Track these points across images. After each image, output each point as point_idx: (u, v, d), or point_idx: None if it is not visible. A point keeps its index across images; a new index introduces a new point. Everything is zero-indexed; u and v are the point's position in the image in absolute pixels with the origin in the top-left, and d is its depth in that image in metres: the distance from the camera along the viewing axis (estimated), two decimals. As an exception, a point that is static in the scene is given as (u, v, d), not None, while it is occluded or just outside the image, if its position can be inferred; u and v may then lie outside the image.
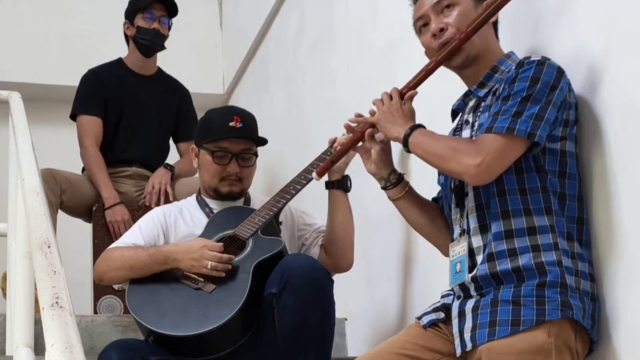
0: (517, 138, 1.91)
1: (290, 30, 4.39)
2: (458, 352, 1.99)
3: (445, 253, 2.16)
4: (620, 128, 1.91)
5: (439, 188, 2.27)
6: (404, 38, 3.00)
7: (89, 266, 3.71)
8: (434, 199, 2.29)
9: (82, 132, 3.96)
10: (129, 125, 4.03)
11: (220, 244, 2.61)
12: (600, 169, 1.97)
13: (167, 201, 3.81)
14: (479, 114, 2.08)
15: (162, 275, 2.64)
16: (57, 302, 1.63)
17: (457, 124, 2.19)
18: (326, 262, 2.73)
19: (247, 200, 2.88)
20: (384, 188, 2.30)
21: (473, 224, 2.03)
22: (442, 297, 2.14)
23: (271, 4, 4.58)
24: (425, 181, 2.43)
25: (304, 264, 2.51)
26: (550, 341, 1.86)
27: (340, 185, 2.77)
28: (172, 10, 4.06)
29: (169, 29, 4.07)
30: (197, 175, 3.22)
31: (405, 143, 2.08)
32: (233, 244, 2.67)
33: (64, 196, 3.80)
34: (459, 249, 2.06)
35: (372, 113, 2.21)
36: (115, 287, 3.64)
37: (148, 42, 4.00)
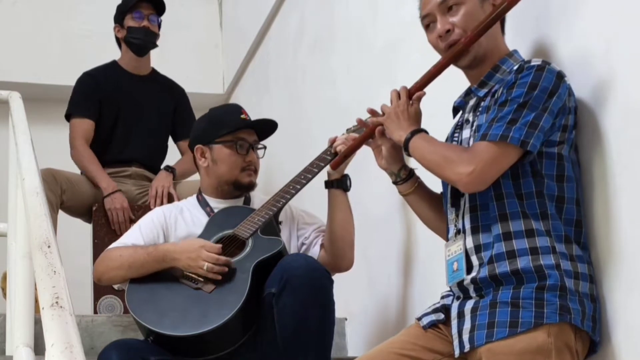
0: (510, 146, 1.91)
1: (290, 30, 4.39)
2: (457, 353, 1.99)
3: None
4: (620, 128, 1.91)
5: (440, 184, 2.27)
6: (404, 38, 3.01)
7: (89, 266, 3.71)
8: (442, 193, 2.29)
9: (73, 133, 4.00)
10: (126, 125, 4.05)
11: (219, 245, 2.61)
12: (600, 169, 1.97)
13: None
14: (478, 114, 2.08)
15: (162, 275, 2.64)
16: (57, 302, 1.63)
17: (458, 122, 2.19)
18: (326, 261, 2.73)
19: (247, 200, 2.88)
20: (394, 183, 2.32)
21: (468, 224, 2.03)
22: (442, 297, 2.14)
23: (271, 4, 4.58)
24: (428, 176, 2.42)
25: (303, 263, 2.51)
26: (550, 341, 1.86)
27: (339, 184, 2.77)
28: (160, 8, 4.09)
29: (159, 27, 4.09)
30: (196, 176, 3.22)
31: (405, 147, 2.10)
32: (233, 244, 2.67)
33: (64, 196, 3.81)
34: (455, 248, 2.06)
35: (384, 109, 2.22)
36: (115, 287, 3.64)
37: (140, 40, 4.02)
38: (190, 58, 5.52)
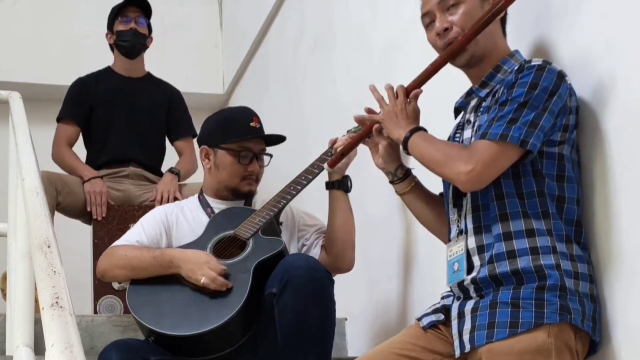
0: (510, 145, 1.91)
1: (290, 30, 4.39)
2: (457, 353, 1.99)
3: None
4: (620, 128, 1.91)
5: (442, 185, 2.27)
6: (404, 38, 3.01)
7: (89, 266, 3.72)
8: (441, 194, 2.29)
9: (56, 138, 4.06)
10: (120, 126, 4.07)
11: (224, 267, 2.58)
12: (600, 169, 1.97)
13: None
14: (479, 114, 2.08)
15: (163, 276, 2.63)
16: (57, 302, 1.63)
17: (460, 123, 2.19)
18: (327, 262, 2.73)
19: (248, 201, 2.88)
20: (391, 182, 2.31)
21: (470, 224, 2.03)
22: (442, 298, 2.14)
23: (271, 4, 4.58)
24: (426, 177, 2.42)
25: (304, 264, 2.51)
26: (550, 341, 1.86)
27: (340, 185, 2.77)
28: (147, 10, 4.14)
29: (150, 29, 4.14)
30: (198, 177, 3.23)
31: (404, 146, 2.10)
32: (234, 244, 2.67)
33: (60, 197, 3.82)
34: (457, 248, 2.06)
35: (382, 106, 2.22)
36: (115, 286, 3.65)
37: (128, 42, 4.07)
38: (190, 58, 5.52)
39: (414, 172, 2.30)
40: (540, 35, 2.20)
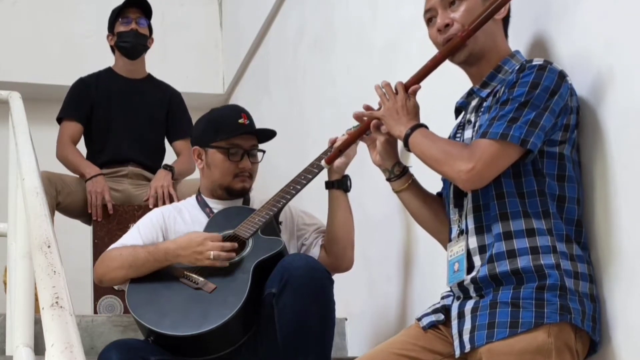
0: (511, 144, 1.91)
1: (290, 30, 4.39)
2: (457, 353, 1.99)
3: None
4: (620, 128, 1.91)
5: (440, 183, 2.27)
6: (404, 38, 3.01)
7: (89, 266, 3.71)
8: (438, 194, 2.29)
9: (60, 135, 4.06)
10: (120, 126, 4.07)
11: (220, 235, 2.61)
12: (600, 169, 1.97)
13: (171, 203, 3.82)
14: (480, 114, 2.08)
15: (162, 275, 2.64)
16: (57, 302, 1.63)
17: (460, 123, 2.19)
18: (327, 262, 2.73)
19: (247, 200, 2.88)
20: (388, 180, 2.31)
21: (471, 224, 2.03)
22: (442, 298, 2.14)
23: (271, 4, 4.58)
24: (425, 177, 2.42)
25: (304, 264, 2.51)
26: (550, 341, 1.86)
27: (340, 185, 2.77)
28: (147, 11, 4.14)
29: (150, 30, 4.14)
30: (196, 175, 3.22)
31: (405, 143, 2.10)
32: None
33: (60, 197, 3.82)
34: (457, 248, 2.06)
35: (380, 105, 2.21)
36: (116, 287, 3.64)
37: (129, 43, 4.07)
38: (190, 58, 5.52)
39: (411, 170, 2.30)
40: (540, 34, 2.20)
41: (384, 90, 2.20)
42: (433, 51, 2.18)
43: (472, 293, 1.99)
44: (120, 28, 4.08)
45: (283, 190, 2.75)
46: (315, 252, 2.80)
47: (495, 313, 1.91)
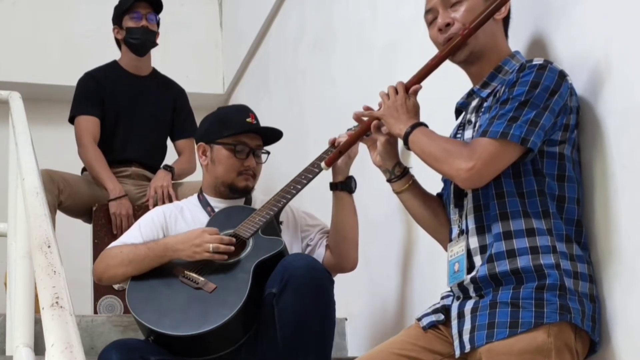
0: (511, 143, 1.91)
1: (290, 31, 4.39)
2: (457, 353, 1.99)
3: (447, 249, 2.16)
4: (620, 128, 1.91)
5: (440, 184, 2.27)
6: (404, 38, 3.01)
7: (89, 266, 3.71)
8: (438, 195, 2.29)
9: (80, 130, 3.98)
10: (126, 125, 4.05)
11: (217, 230, 2.61)
12: (600, 168, 1.97)
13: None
14: (480, 114, 2.08)
15: (163, 275, 2.64)
16: (57, 302, 1.63)
17: (461, 123, 2.19)
18: (331, 262, 2.74)
19: (248, 200, 2.88)
20: (388, 180, 2.31)
21: (472, 224, 2.03)
22: (442, 298, 2.14)
23: (271, 4, 4.58)
24: (426, 177, 2.42)
25: (304, 264, 2.52)
26: (550, 341, 1.86)
27: (344, 186, 2.77)
28: (157, 6, 4.09)
29: (158, 25, 4.09)
30: (196, 175, 3.23)
31: (405, 141, 2.10)
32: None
33: (62, 196, 3.81)
34: (457, 248, 2.06)
35: (380, 105, 2.22)
36: (115, 286, 3.64)
37: (139, 40, 4.03)
38: (190, 58, 5.52)
39: (412, 171, 2.30)
40: (540, 34, 2.20)
41: (387, 91, 2.20)
42: (433, 51, 2.18)
43: (472, 293, 1.99)
44: (129, 23, 4.01)
45: (283, 190, 2.76)
46: (320, 252, 2.80)
47: (495, 313, 1.91)
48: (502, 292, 1.92)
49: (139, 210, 3.88)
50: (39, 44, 5.31)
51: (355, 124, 2.62)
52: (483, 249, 2.00)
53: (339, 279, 2.70)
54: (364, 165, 2.84)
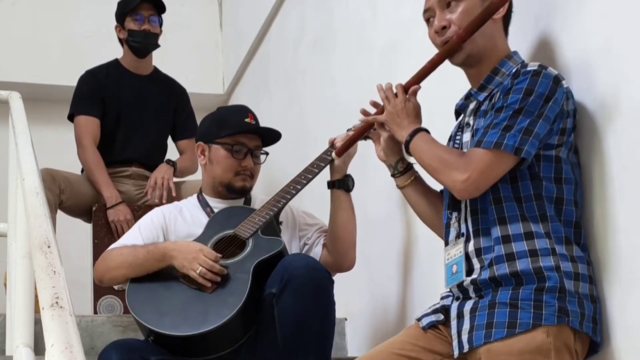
0: (505, 153, 1.92)
1: (290, 31, 4.39)
2: (456, 353, 1.99)
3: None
4: (619, 129, 1.91)
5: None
6: (404, 38, 3.01)
7: (89, 266, 3.71)
8: (441, 191, 2.29)
9: (80, 131, 3.97)
10: (127, 125, 4.05)
11: (219, 255, 2.59)
12: (599, 170, 1.97)
13: (169, 197, 3.82)
14: (477, 117, 2.09)
15: (162, 275, 2.64)
16: (57, 302, 1.63)
17: (459, 125, 2.19)
18: (329, 261, 2.74)
19: (248, 200, 2.88)
20: (392, 175, 2.33)
21: (470, 227, 2.03)
22: (442, 298, 2.14)
23: (271, 4, 4.58)
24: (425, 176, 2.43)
25: (304, 264, 2.51)
26: (549, 341, 1.86)
27: (341, 185, 2.77)
28: (160, 8, 4.08)
29: (161, 26, 4.09)
30: (198, 175, 3.23)
31: (407, 149, 2.12)
32: (233, 244, 2.67)
33: (63, 196, 3.80)
34: (455, 251, 2.06)
35: (384, 101, 2.22)
36: (115, 287, 3.64)
37: (140, 43, 4.03)
38: (190, 58, 5.52)
39: (415, 167, 2.31)
40: (540, 35, 2.20)
41: (386, 93, 2.20)
42: (433, 51, 2.18)
43: (472, 294, 1.99)
44: (131, 25, 4.01)
45: (283, 190, 2.75)
46: (317, 251, 2.80)
47: (493, 313, 1.91)
48: (501, 293, 1.93)
49: (140, 210, 3.87)
50: (39, 44, 5.31)
51: (356, 123, 2.63)
52: (479, 251, 2.00)
53: (339, 279, 2.70)
54: (364, 164, 2.85)
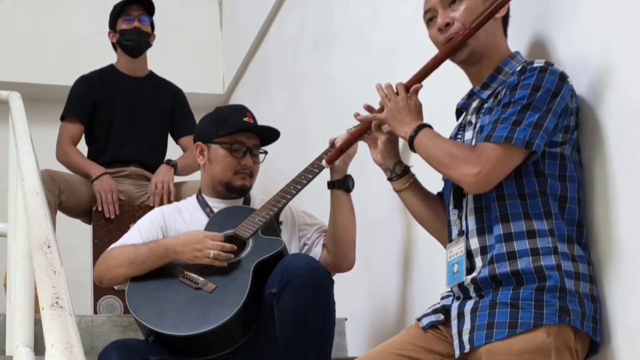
0: (515, 147, 1.92)
1: (290, 31, 4.39)
2: (457, 353, 1.99)
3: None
4: (620, 128, 1.91)
5: (441, 183, 2.27)
6: (404, 38, 3.01)
7: (89, 266, 3.72)
8: (439, 194, 2.29)
9: (60, 136, 4.06)
10: (122, 126, 4.07)
11: (221, 235, 2.61)
12: (600, 169, 1.97)
13: (170, 201, 3.82)
14: (480, 115, 2.08)
15: (162, 275, 2.64)
16: (57, 302, 1.63)
17: (461, 124, 2.19)
18: (328, 261, 2.74)
19: (247, 200, 2.88)
20: (389, 179, 2.32)
21: (472, 225, 2.03)
22: (442, 298, 2.14)
23: (271, 4, 4.58)
24: (426, 176, 2.43)
25: (304, 264, 2.52)
26: (549, 341, 1.86)
27: (341, 185, 2.77)
28: (150, 8, 4.13)
29: (152, 27, 4.13)
30: (199, 174, 3.22)
31: (411, 145, 2.10)
32: (233, 244, 2.67)
33: (63, 196, 3.81)
34: (457, 249, 2.06)
35: (381, 104, 2.21)
36: (115, 287, 3.64)
37: (132, 41, 4.06)
38: (190, 58, 5.52)
39: (412, 170, 2.31)
40: (540, 34, 2.20)
41: (385, 92, 2.20)
42: (433, 51, 2.18)
43: (472, 293, 1.99)
44: (122, 26, 4.06)
45: (283, 190, 2.76)
46: (317, 251, 2.80)
47: (494, 313, 1.91)
48: (502, 293, 1.92)
49: (139, 210, 3.88)
50: (38, 44, 5.31)
51: (356, 123, 2.62)
52: (484, 250, 2.00)
53: (339, 279, 2.70)
54: (364, 165, 2.84)
